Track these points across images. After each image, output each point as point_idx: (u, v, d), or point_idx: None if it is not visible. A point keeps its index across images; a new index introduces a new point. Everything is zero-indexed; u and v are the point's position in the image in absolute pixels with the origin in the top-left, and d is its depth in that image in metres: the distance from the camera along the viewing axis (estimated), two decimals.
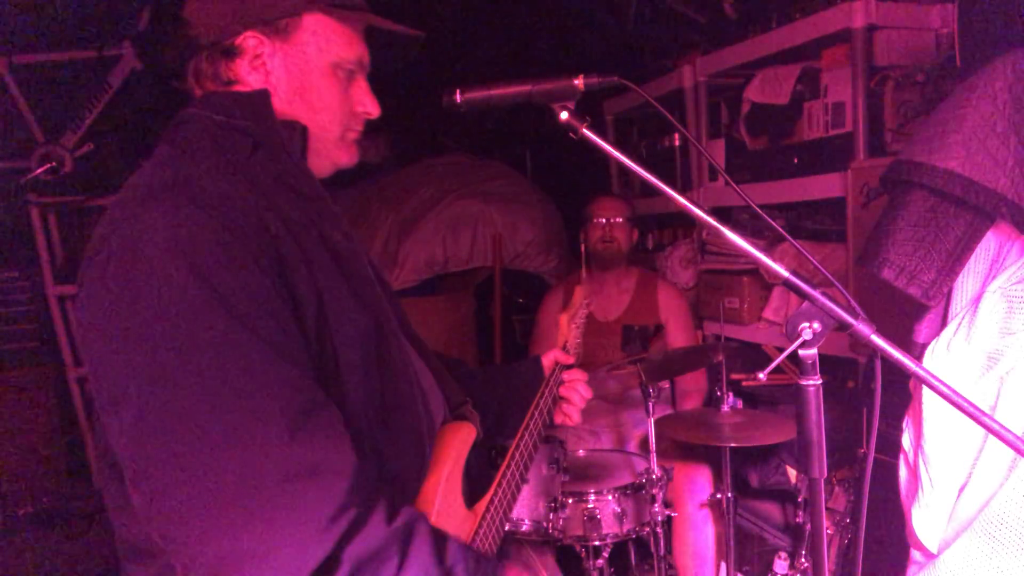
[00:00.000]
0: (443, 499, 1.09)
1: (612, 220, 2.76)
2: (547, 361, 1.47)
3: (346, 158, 1.13)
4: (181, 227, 0.85)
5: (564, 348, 1.51)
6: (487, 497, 1.17)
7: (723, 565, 2.22)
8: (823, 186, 2.44)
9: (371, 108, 1.13)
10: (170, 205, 0.87)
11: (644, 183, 0.93)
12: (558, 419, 1.45)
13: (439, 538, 0.92)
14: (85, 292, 0.89)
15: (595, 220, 2.78)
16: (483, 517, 1.15)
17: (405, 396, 1.04)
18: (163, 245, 0.84)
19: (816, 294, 0.85)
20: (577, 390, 1.46)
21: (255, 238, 0.89)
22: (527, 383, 1.43)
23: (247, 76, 1.04)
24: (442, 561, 0.90)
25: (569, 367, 1.49)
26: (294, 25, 1.03)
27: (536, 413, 1.35)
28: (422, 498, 1.07)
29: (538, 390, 1.39)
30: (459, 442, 1.15)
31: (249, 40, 1.02)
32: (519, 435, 1.29)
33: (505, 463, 1.23)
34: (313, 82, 1.05)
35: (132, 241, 0.85)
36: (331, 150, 1.10)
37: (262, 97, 1.02)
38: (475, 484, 1.21)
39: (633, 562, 2.35)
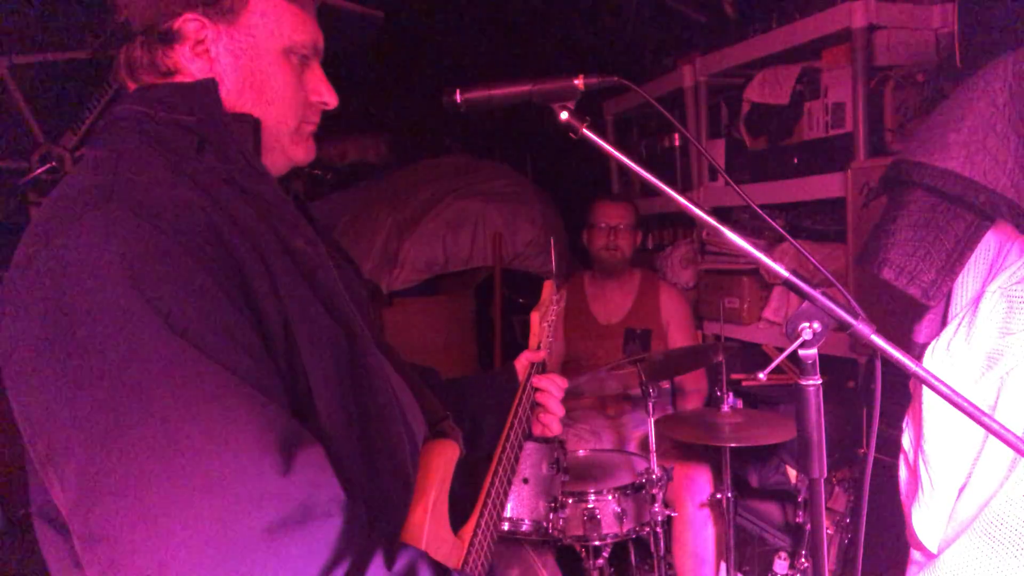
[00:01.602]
0: (431, 528, 1.01)
1: (616, 227, 2.72)
2: (520, 366, 1.39)
3: (302, 154, 1.02)
4: (121, 242, 0.73)
5: (538, 348, 1.43)
6: (472, 521, 1.10)
7: (723, 565, 2.22)
8: (823, 186, 2.44)
9: (328, 98, 1.02)
10: (105, 217, 0.75)
11: (644, 183, 0.93)
12: (536, 430, 1.37)
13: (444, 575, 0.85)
14: (6, 326, 0.76)
15: (599, 226, 2.74)
16: (471, 543, 1.08)
17: (385, 415, 0.95)
18: (99, 264, 0.72)
19: (816, 294, 0.85)
20: (554, 395, 1.36)
21: (209, 251, 0.77)
22: (501, 391, 1.35)
23: (189, 65, 0.92)
24: None
25: (542, 368, 1.40)
26: (240, 6, 0.92)
27: (515, 422, 1.27)
28: (409, 528, 0.99)
29: (513, 398, 1.30)
30: (443, 463, 1.07)
31: (189, 23, 0.90)
32: (500, 448, 1.21)
33: (488, 481, 1.16)
34: (264, 70, 0.94)
35: (62, 262, 0.73)
36: (286, 146, 0.99)
37: (208, 87, 0.90)
38: (458, 504, 1.12)
39: (633, 562, 2.35)
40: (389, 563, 0.76)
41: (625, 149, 0.97)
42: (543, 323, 1.48)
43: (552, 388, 1.37)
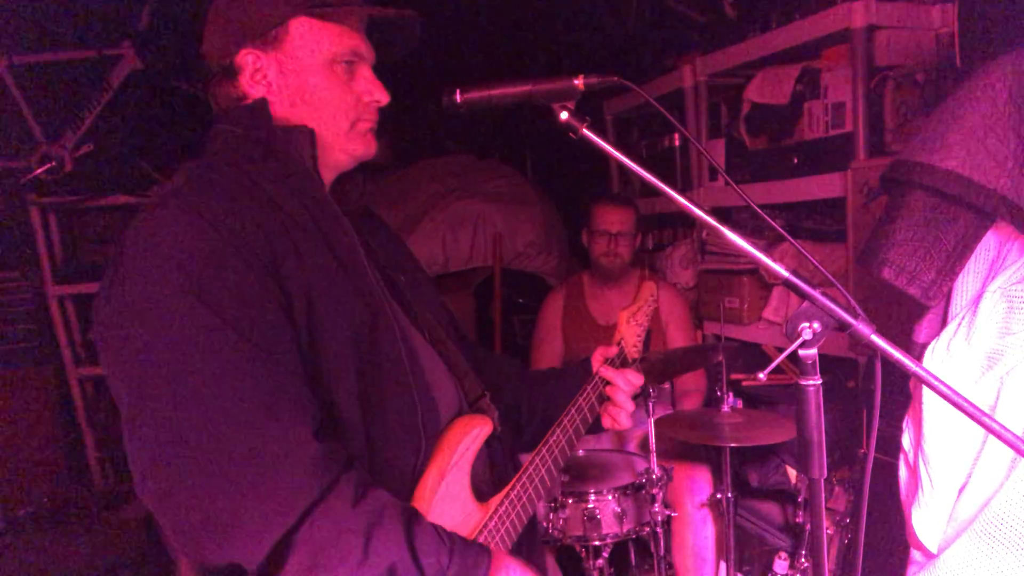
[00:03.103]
0: (445, 490, 1.08)
1: (618, 234, 2.68)
2: (595, 360, 1.43)
3: (362, 149, 1.17)
4: (176, 233, 0.94)
5: (618, 345, 1.45)
6: (503, 491, 1.15)
7: (723, 565, 2.22)
8: (823, 186, 2.44)
9: (379, 95, 1.16)
10: (171, 213, 0.96)
11: (644, 183, 0.93)
12: (606, 423, 1.40)
13: (412, 525, 0.94)
14: (100, 293, 0.97)
15: (599, 231, 2.70)
16: (495, 511, 1.13)
17: (396, 384, 1.07)
18: (158, 248, 0.93)
19: (816, 294, 0.85)
20: (622, 388, 1.38)
21: (248, 237, 0.96)
22: (574, 384, 1.39)
23: (251, 90, 1.10)
24: (412, 549, 0.92)
25: (623, 364, 1.43)
26: (282, 33, 1.09)
27: (574, 410, 1.31)
28: (421, 488, 1.07)
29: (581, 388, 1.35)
30: (469, 433, 1.13)
31: (247, 57, 1.09)
32: (550, 430, 1.26)
33: (530, 458, 1.21)
34: (311, 82, 1.10)
35: (137, 247, 0.95)
36: (344, 144, 1.14)
37: (259, 107, 1.09)
38: (501, 479, 1.19)
39: (633, 562, 2.35)
40: (355, 501, 0.91)
41: (625, 149, 0.97)
42: (630, 322, 1.50)
43: (621, 382, 1.39)
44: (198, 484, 0.87)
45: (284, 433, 0.90)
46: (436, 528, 0.97)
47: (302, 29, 1.09)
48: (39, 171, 3.37)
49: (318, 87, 1.10)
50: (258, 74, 1.10)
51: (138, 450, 0.90)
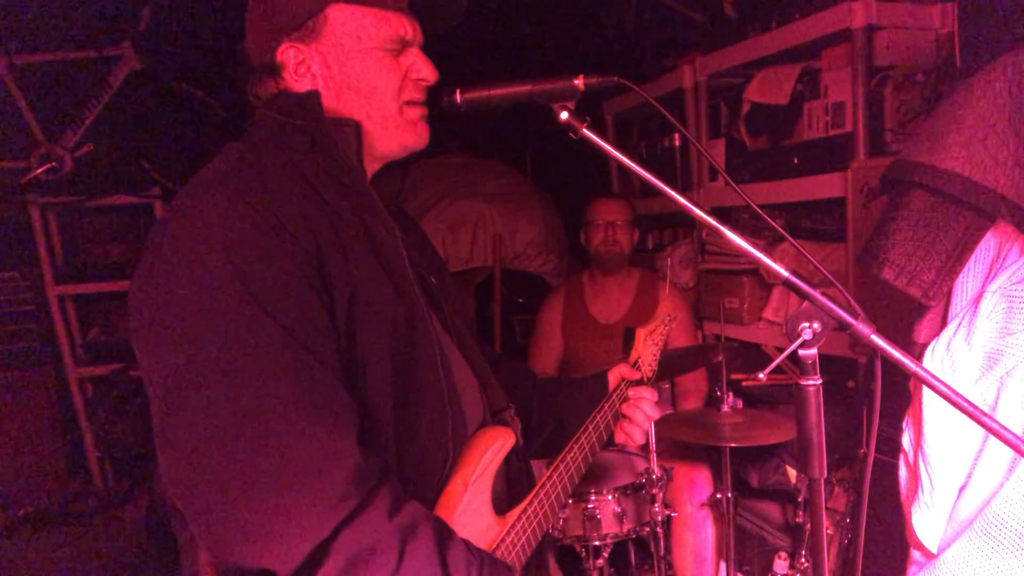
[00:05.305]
0: (468, 502, 1.06)
1: (613, 223, 2.75)
2: (613, 376, 1.43)
3: (412, 139, 1.13)
4: (226, 221, 0.90)
5: (635, 364, 1.45)
6: (521, 505, 1.14)
7: (723, 565, 2.22)
8: (823, 186, 2.44)
9: (426, 73, 1.12)
10: (220, 198, 0.92)
11: (644, 183, 0.93)
12: (619, 438, 1.41)
13: (445, 540, 0.92)
14: (136, 276, 0.94)
15: (596, 223, 2.76)
16: (512, 525, 1.11)
17: (431, 390, 1.04)
18: (206, 237, 0.89)
19: (816, 294, 0.85)
20: (641, 408, 1.39)
21: (295, 231, 0.93)
22: (589, 398, 1.38)
23: (295, 85, 1.07)
24: (444, 565, 0.90)
25: (638, 383, 1.43)
26: (322, 24, 1.05)
27: (591, 427, 1.30)
28: (444, 499, 1.05)
29: (598, 405, 1.35)
30: (493, 445, 1.11)
31: (288, 52, 1.06)
32: (567, 447, 1.25)
33: (547, 474, 1.20)
34: (355, 70, 1.07)
35: (182, 231, 0.91)
36: (393, 132, 1.11)
37: (312, 98, 1.05)
38: (516, 492, 1.18)
39: (633, 562, 2.35)
40: (392, 514, 0.88)
41: (625, 149, 0.97)
42: (647, 340, 1.49)
43: (640, 402, 1.40)
44: (235, 489, 0.82)
45: (327, 439, 0.86)
46: (467, 544, 0.95)
47: (341, 16, 1.05)
48: (39, 171, 3.38)
49: (364, 73, 1.07)
50: (302, 67, 1.06)
51: (170, 446, 0.85)
